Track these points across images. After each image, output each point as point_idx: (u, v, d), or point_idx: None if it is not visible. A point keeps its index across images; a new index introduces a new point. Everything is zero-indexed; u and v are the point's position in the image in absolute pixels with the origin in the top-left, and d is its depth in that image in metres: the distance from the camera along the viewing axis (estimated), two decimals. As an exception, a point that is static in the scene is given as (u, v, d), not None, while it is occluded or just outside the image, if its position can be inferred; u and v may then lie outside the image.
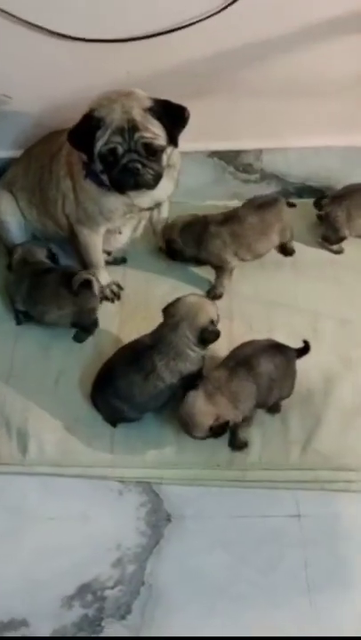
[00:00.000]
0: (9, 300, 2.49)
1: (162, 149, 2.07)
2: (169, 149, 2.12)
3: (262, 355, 2.03)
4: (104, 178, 2.12)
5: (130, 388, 2.07)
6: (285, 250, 2.58)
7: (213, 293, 2.49)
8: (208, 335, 2.04)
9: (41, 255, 2.47)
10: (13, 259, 2.46)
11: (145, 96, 2.06)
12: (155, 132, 2.04)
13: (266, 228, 2.45)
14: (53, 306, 2.32)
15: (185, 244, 2.47)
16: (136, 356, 2.10)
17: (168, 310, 2.10)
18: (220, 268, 2.49)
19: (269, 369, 2.02)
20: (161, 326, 2.11)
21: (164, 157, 2.10)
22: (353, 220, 2.51)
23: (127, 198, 2.20)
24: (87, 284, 2.27)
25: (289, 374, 2.09)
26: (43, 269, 2.39)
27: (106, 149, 2.03)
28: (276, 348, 2.06)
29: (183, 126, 2.09)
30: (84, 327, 2.38)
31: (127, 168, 2.04)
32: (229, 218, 2.46)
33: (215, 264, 2.49)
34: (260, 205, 2.47)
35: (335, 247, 2.57)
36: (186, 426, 1.97)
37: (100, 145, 2.04)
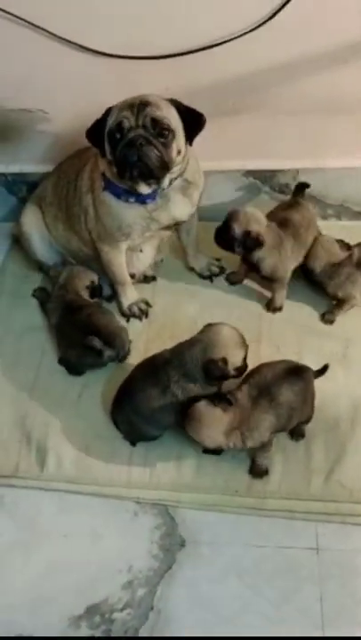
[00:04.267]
0: (43, 312, 2.52)
1: (172, 132, 1.99)
2: (183, 149, 2.06)
3: (283, 383, 1.96)
4: (113, 168, 2.07)
5: (148, 403, 2.03)
6: None
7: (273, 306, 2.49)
8: (211, 368, 1.95)
9: (82, 284, 2.43)
10: (57, 281, 2.46)
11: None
12: (167, 112, 1.99)
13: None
14: (66, 347, 2.37)
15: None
16: (154, 369, 2.07)
17: (203, 328, 2.05)
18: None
19: (290, 398, 1.95)
20: (184, 341, 2.07)
21: (174, 147, 2.02)
22: None
23: (145, 212, 2.18)
24: (98, 353, 2.26)
25: (308, 398, 2.02)
26: (75, 307, 2.35)
27: (113, 124, 1.98)
28: (295, 373, 1.99)
29: (199, 130, 2.05)
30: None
31: (132, 141, 1.96)
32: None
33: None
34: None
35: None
36: (188, 424, 1.93)
37: (108, 124, 2.01)
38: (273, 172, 2.64)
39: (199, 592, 1.91)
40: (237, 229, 2.30)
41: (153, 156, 1.97)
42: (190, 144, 2.08)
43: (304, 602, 1.86)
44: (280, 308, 2.48)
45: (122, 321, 2.47)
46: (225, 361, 1.96)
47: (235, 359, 1.97)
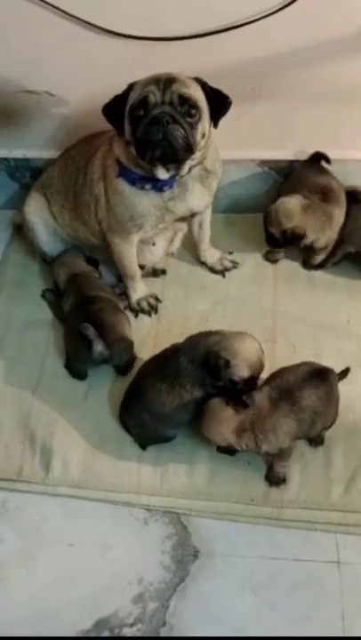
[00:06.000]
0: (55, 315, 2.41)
1: (199, 111, 1.86)
2: (207, 133, 1.93)
3: (306, 386, 1.86)
4: (132, 150, 1.95)
5: (159, 398, 1.94)
6: None
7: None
8: (211, 359, 1.84)
9: (81, 262, 2.37)
10: (59, 280, 2.35)
11: None
12: (195, 91, 1.86)
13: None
14: (67, 335, 2.26)
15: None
16: (164, 360, 1.98)
17: (237, 332, 1.95)
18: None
19: (313, 402, 1.85)
20: (207, 331, 1.98)
21: (199, 129, 1.89)
22: None
23: (160, 201, 2.06)
24: (89, 343, 2.10)
25: (333, 402, 1.92)
26: (88, 297, 2.23)
27: (137, 99, 1.85)
28: (318, 377, 1.89)
29: (225, 112, 1.93)
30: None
31: (157, 118, 1.82)
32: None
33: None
34: None
35: None
36: (201, 421, 1.89)
37: (131, 100, 1.87)
38: (290, 163, 2.52)
39: (214, 607, 1.81)
40: (275, 231, 2.28)
41: (179, 135, 1.84)
42: (215, 126, 1.95)
43: (325, 619, 1.76)
44: (317, 267, 2.46)
45: (130, 317, 2.36)
46: (227, 364, 1.84)
47: (235, 369, 1.84)
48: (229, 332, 1.91)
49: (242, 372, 1.85)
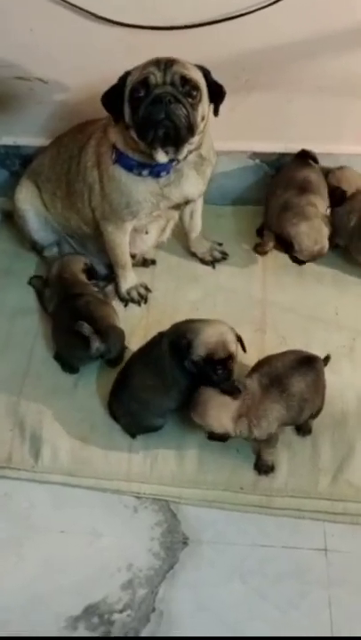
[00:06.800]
0: (40, 303, 2.40)
1: (200, 92, 1.87)
2: (206, 116, 1.94)
3: (294, 373, 1.88)
4: (132, 133, 1.94)
5: (143, 384, 1.96)
6: None
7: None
8: (179, 339, 1.87)
9: (77, 267, 2.33)
10: (50, 273, 2.34)
11: None
12: (195, 73, 1.87)
13: None
14: (57, 333, 2.23)
15: None
16: (151, 346, 2.00)
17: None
18: None
19: (301, 389, 1.88)
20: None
21: (200, 110, 1.90)
22: None
23: (156, 187, 2.06)
24: (86, 342, 2.07)
25: (320, 389, 1.95)
26: (73, 294, 2.22)
27: (137, 80, 1.85)
28: (306, 364, 1.91)
29: (221, 100, 1.95)
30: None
31: (159, 98, 1.83)
32: None
33: None
34: None
35: None
36: (194, 409, 1.88)
37: (131, 82, 1.87)
38: (281, 156, 2.54)
39: (203, 595, 1.82)
40: (323, 249, 2.35)
41: (181, 114, 1.84)
42: (216, 114, 1.97)
43: (312, 607, 1.78)
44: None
45: (120, 306, 2.37)
46: (189, 344, 1.86)
47: (193, 349, 1.85)
48: (212, 320, 1.93)
49: (199, 350, 1.85)
